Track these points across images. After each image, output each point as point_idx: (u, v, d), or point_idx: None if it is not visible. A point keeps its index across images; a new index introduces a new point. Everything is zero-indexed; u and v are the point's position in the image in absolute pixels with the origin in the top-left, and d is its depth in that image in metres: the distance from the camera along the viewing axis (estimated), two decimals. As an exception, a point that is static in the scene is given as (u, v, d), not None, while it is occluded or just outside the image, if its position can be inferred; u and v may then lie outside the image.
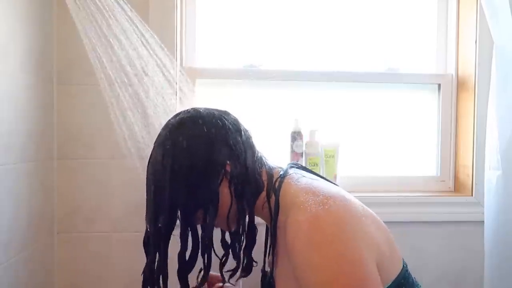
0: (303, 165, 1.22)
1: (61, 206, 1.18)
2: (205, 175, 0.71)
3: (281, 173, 0.76)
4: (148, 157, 0.77)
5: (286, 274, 0.70)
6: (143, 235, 0.78)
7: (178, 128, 0.74)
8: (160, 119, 1.03)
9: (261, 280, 0.81)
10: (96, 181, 1.18)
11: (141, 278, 1.21)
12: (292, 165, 0.82)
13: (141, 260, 1.20)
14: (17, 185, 0.98)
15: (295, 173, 0.77)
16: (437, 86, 1.38)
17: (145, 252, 0.78)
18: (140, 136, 1.04)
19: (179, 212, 0.73)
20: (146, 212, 0.76)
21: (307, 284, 0.61)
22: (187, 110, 0.78)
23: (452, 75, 1.37)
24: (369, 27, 1.37)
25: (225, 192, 0.73)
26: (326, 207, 0.63)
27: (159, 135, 0.76)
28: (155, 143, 0.76)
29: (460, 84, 1.36)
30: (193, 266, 0.76)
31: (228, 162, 0.72)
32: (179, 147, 0.71)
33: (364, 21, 1.37)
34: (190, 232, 0.74)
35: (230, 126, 0.75)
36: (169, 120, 0.78)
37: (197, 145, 0.72)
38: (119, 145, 1.05)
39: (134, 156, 1.04)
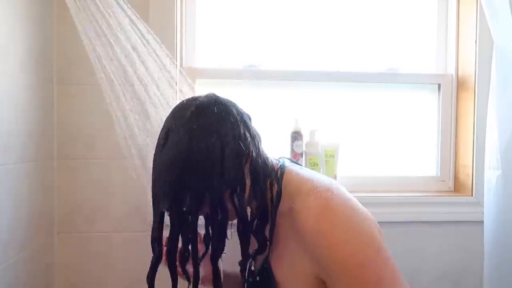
0: (303, 165, 1.23)
1: (61, 206, 1.18)
2: (235, 156, 0.71)
3: (281, 164, 0.79)
4: (157, 148, 0.73)
5: (288, 257, 0.71)
6: (152, 228, 0.75)
7: (203, 111, 0.72)
8: (160, 119, 1.03)
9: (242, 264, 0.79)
10: (96, 181, 1.18)
11: (141, 277, 1.21)
12: (287, 159, 0.84)
13: (141, 260, 1.21)
14: (17, 185, 0.98)
15: (292, 165, 0.79)
16: (437, 86, 1.39)
17: (158, 243, 0.76)
18: (140, 136, 1.04)
19: (207, 194, 0.70)
20: (162, 199, 0.71)
21: (333, 260, 0.63)
22: (201, 95, 0.76)
23: (452, 75, 1.37)
24: (369, 27, 1.37)
25: (246, 174, 0.73)
26: (335, 193, 0.68)
27: (178, 117, 0.72)
28: (174, 125, 0.71)
29: (460, 84, 1.36)
30: (224, 248, 0.76)
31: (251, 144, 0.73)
32: (209, 129, 0.70)
33: (364, 21, 1.37)
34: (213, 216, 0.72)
35: (245, 113, 0.77)
36: (182, 103, 0.75)
37: (226, 126, 0.71)
38: (119, 145, 1.05)
39: (134, 156, 1.04)
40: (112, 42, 0.96)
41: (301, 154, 1.26)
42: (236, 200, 0.71)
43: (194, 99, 0.75)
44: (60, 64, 1.16)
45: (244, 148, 0.71)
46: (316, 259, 0.65)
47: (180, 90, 1.12)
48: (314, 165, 1.24)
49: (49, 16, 1.13)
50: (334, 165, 1.27)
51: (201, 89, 1.27)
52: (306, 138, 1.27)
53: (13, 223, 0.97)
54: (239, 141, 0.71)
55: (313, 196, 0.67)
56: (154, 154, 0.73)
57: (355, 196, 0.75)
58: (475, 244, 1.25)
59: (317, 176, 0.74)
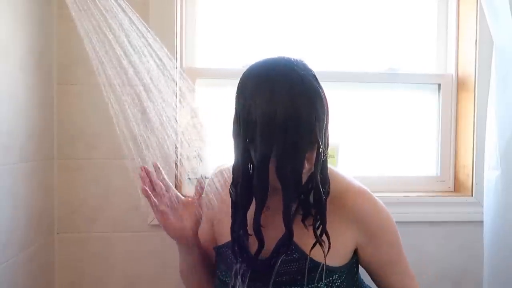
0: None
1: (61, 206, 1.18)
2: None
3: None
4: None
5: (331, 231, 0.74)
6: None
7: (307, 67, 0.73)
8: (160, 119, 1.02)
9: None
10: (97, 181, 1.18)
11: (140, 277, 1.21)
12: None
13: (141, 260, 1.21)
14: (17, 185, 0.98)
15: None
16: (437, 86, 1.38)
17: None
18: (140, 136, 1.04)
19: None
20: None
21: (381, 229, 0.80)
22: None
23: (452, 75, 1.37)
24: (370, 27, 1.37)
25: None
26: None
27: (289, 72, 0.70)
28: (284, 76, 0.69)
29: (460, 84, 1.36)
30: None
31: None
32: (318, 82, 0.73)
33: (364, 21, 1.37)
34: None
35: None
36: (281, 61, 0.73)
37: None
38: (119, 145, 1.05)
39: (135, 156, 1.04)
40: (112, 42, 0.96)
41: (301, 154, 1.26)
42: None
43: (280, 60, 0.74)
44: (60, 64, 1.16)
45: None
46: (363, 230, 0.78)
47: (180, 90, 1.12)
48: (314, 165, 1.24)
49: (49, 16, 1.13)
50: (334, 165, 1.27)
51: (201, 89, 1.27)
52: (306, 138, 1.27)
53: (13, 223, 0.97)
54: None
55: (357, 186, 0.81)
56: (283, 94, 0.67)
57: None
58: (475, 244, 1.25)
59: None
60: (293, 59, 0.74)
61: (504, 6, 1.10)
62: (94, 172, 1.18)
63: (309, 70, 0.72)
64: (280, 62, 0.72)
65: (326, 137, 0.72)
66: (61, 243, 1.18)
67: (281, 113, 0.65)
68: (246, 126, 0.69)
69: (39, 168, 1.09)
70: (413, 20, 1.39)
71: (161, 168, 0.90)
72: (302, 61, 0.74)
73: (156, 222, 1.17)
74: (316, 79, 0.72)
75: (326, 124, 0.71)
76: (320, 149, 0.69)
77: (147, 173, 0.87)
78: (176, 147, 1.08)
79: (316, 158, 0.70)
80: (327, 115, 0.71)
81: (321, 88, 0.71)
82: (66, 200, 1.18)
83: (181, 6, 1.24)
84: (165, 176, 0.89)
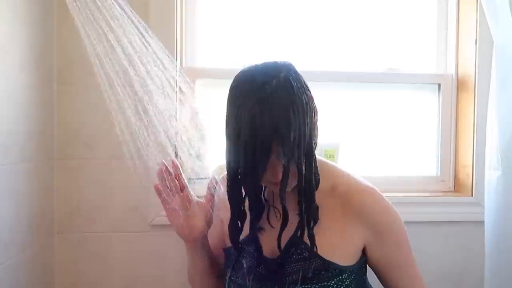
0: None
1: (61, 206, 1.18)
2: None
3: None
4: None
5: (336, 229, 0.78)
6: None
7: (296, 72, 0.78)
8: (160, 119, 1.02)
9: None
10: (96, 181, 1.18)
11: (140, 277, 1.21)
12: None
13: (141, 260, 1.21)
14: (17, 185, 0.98)
15: None
16: (437, 86, 1.38)
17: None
18: (140, 136, 1.04)
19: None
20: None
21: (394, 230, 0.81)
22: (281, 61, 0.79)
23: (452, 75, 1.37)
24: (369, 27, 1.37)
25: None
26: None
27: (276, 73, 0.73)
28: (271, 83, 0.71)
29: (460, 84, 1.36)
30: None
31: None
32: (305, 87, 0.77)
33: (364, 21, 1.37)
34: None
35: None
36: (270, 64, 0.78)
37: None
38: (119, 145, 1.05)
39: (134, 156, 1.04)
40: (112, 42, 0.96)
41: (301, 154, 1.26)
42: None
43: (275, 65, 0.79)
44: (60, 64, 1.16)
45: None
46: (371, 229, 0.78)
47: (180, 90, 1.12)
48: (314, 165, 1.24)
49: (49, 16, 1.13)
50: (334, 165, 1.27)
51: (201, 89, 1.27)
52: (306, 138, 1.27)
53: (13, 223, 0.97)
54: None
55: (366, 185, 0.82)
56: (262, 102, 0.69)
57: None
58: (475, 244, 1.25)
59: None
60: (276, 67, 0.76)
61: (504, 6, 1.10)
62: (94, 172, 1.18)
63: (287, 81, 0.71)
64: (255, 75, 0.75)
65: (301, 150, 0.71)
66: (61, 243, 1.18)
67: (245, 132, 0.68)
68: (226, 136, 0.74)
69: (39, 168, 1.09)
70: (413, 20, 1.39)
71: (180, 167, 0.89)
72: (286, 69, 0.75)
73: (156, 222, 1.18)
74: (298, 88, 0.71)
75: (303, 137, 0.71)
76: (295, 164, 0.69)
77: (165, 169, 0.86)
78: (176, 147, 1.08)
79: (296, 172, 0.70)
80: (307, 127, 0.72)
81: (300, 99, 0.71)
82: (66, 200, 1.18)
83: (181, 6, 1.24)
84: (183, 176, 0.88)
